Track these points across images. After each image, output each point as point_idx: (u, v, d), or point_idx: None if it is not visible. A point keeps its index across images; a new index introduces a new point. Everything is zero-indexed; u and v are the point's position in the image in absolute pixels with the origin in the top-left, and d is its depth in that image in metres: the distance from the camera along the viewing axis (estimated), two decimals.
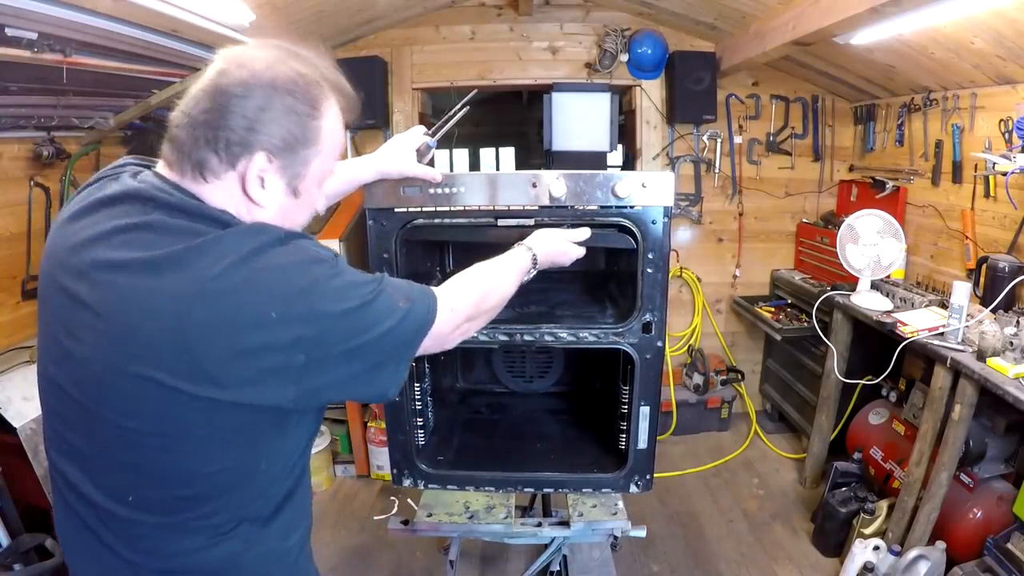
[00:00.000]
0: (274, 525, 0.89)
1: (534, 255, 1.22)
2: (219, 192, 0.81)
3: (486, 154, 5.95)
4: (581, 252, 1.33)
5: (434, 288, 0.95)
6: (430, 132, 1.38)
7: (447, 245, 2.10)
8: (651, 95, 3.55)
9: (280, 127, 0.80)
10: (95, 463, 0.80)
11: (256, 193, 0.81)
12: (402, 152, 1.33)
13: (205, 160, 0.79)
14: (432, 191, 1.40)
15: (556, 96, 3.15)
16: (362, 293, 0.81)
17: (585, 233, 1.34)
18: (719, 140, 3.58)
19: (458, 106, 1.43)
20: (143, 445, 0.77)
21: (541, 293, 1.83)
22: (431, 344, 0.92)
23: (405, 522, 1.74)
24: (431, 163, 1.39)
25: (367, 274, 0.86)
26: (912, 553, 2.07)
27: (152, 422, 0.75)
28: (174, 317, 0.72)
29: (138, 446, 0.77)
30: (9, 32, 1.79)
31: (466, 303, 1.00)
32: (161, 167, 0.84)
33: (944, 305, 2.34)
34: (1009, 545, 1.90)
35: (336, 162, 0.91)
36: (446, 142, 1.61)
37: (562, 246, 1.29)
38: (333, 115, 0.86)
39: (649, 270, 1.42)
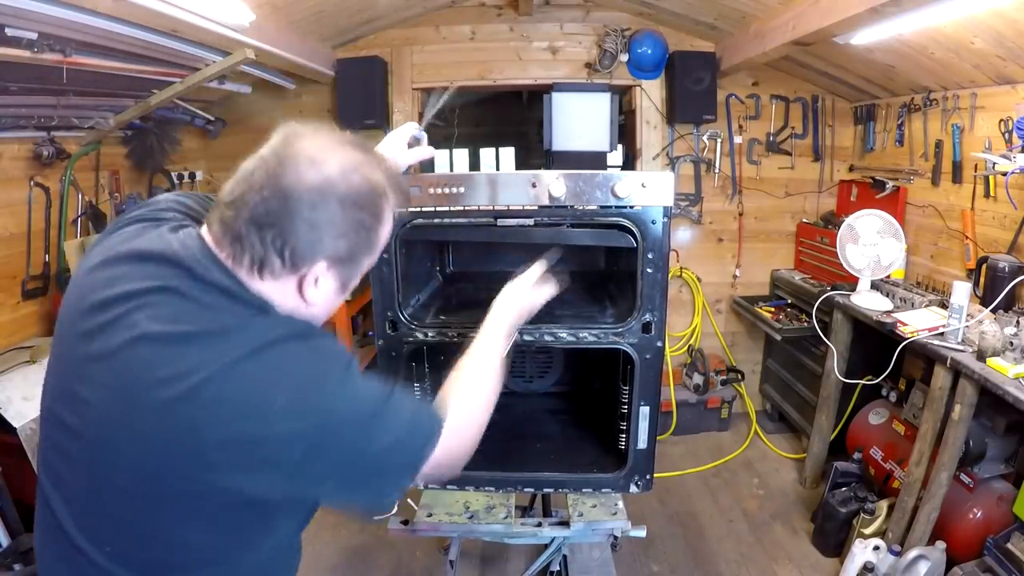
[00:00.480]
0: None
1: (512, 327, 1.15)
2: (275, 290, 0.80)
3: (486, 154, 5.94)
4: (551, 291, 1.24)
5: (440, 414, 0.90)
6: (420, 124, 1.39)
7: (447, 245, 2.10)
8: (651, 95, 3.55)
9: (347, 241, 0.80)
10: (82, 505, 0.79)
11: (310, 293, 0.81)
12: (397, 147, 1.32)
13: (268, 262, 0.78)
14: (432, 191, 1.40)
15: (556, 96, 3.15)
16: (372, 400, 0.80)
17: (540, 268, 1.23)
18: (719, 140, 3.57)
19: (443, 96, 1.46)
20: (131, 504, 0.76)
21: None
22: (431, 472, 0.87)
23: (405, 522, 1.74)
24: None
25: (378, 384, 0.83)
26: (912, 553, 2.07)
27: (143, 486, 0.74)
28: (170, 399, 0.71)
29: (126, 503, 0.76)
30: (9, 32, 1.79)
31: (472, 433, 0.96)
32: (205, 235, 0.81)
33: (944, 305, 2.34)
34: (1009, 545, 1.90)
35: None
36: (446, 142, 1.62)
37: (529, 302, 1.20)
38: (390, 218, 0.86)
39: (649, 270, 1.42)
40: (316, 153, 0.78)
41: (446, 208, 1.41)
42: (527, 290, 1.20)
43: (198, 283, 0.77)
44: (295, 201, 0.75)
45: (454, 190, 1.39)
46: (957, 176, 2.68)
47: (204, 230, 0.82)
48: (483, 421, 0.99)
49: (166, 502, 0.75)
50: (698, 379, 3.58)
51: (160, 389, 0.71)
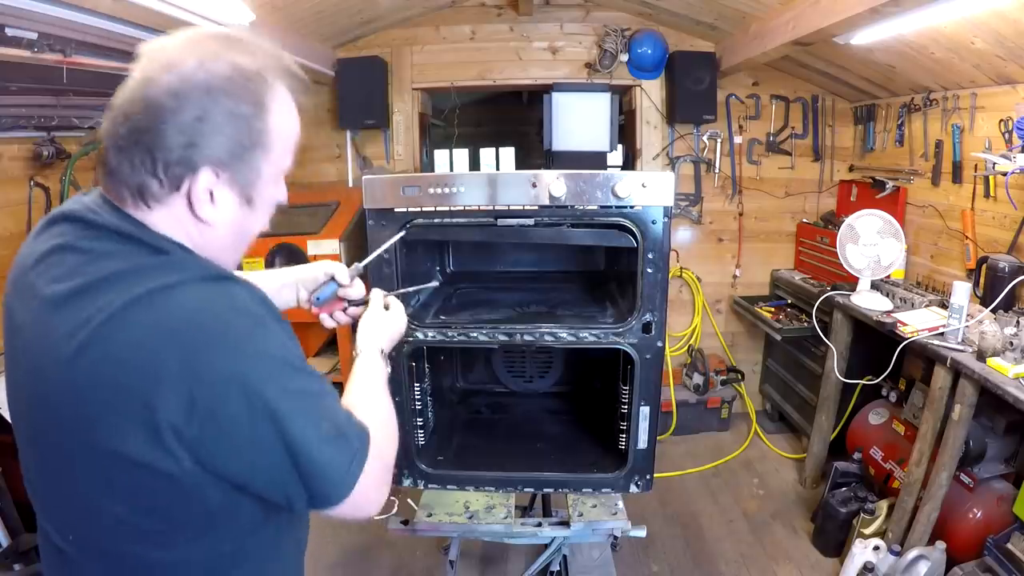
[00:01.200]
0: None
1: (384, 353, 1.03)
2: (166, 218, 0.73)
3: (486, 154, 5.94)
4: (401, 310, 1.12)
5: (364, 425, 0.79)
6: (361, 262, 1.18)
7: (447, 245, 2.10)
8: (651, 95, 3.55)
9: (223, 136, 0.71)
10: (43, 496, 0.79)
11: (206, 212, 0.73)
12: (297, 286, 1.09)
13: (145, 186, 0.70)
14: (432, 191, 1.40)
15: (556, 96, 3.15)
16: (289, 368, 0.71)
17: (378, 296, 1.11)
18: (719, 140, 3.58)
19: (386, 244, 1.27)
20: (73, 485, 0.72)
21: (541, 293, 1.83)
22: (349, 511, 0.75)
23: (405, 522, 1.74)
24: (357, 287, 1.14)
25: (299, 353, 0.74)
26: (912, 553, 2.07)
27: (75, 461, 0.70)
28: (65, 361, 0.66)
29: (69, 483, 0.72)
30: (9, 32, 1.79)
31: (391, 460, 0.84)
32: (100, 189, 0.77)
33: (944, 305, 2.34)
34: (1009, 545, 1.89)
35: (292, 154, 0.80)
36: (446, 142, 1.59)
37: (380, 322, 1.07)
38: (281, 105, 0.76)
39: (649, 270, 1.42)
40: (171, 55, 0.70)
41: (446, 208, 1.41)
42: (380, 317, 1.08)
43: (90, 231, 0.72)
44: (154, 109, 0.68)
45: (454, 190, 1.39)
46: (957, 176, 2.68)
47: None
48: (394, 451, 0.87)
49: (93, 476, 0.69)
50: (698, 379, 3.58)
51: (59, 350, 0.67)
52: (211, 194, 0.72)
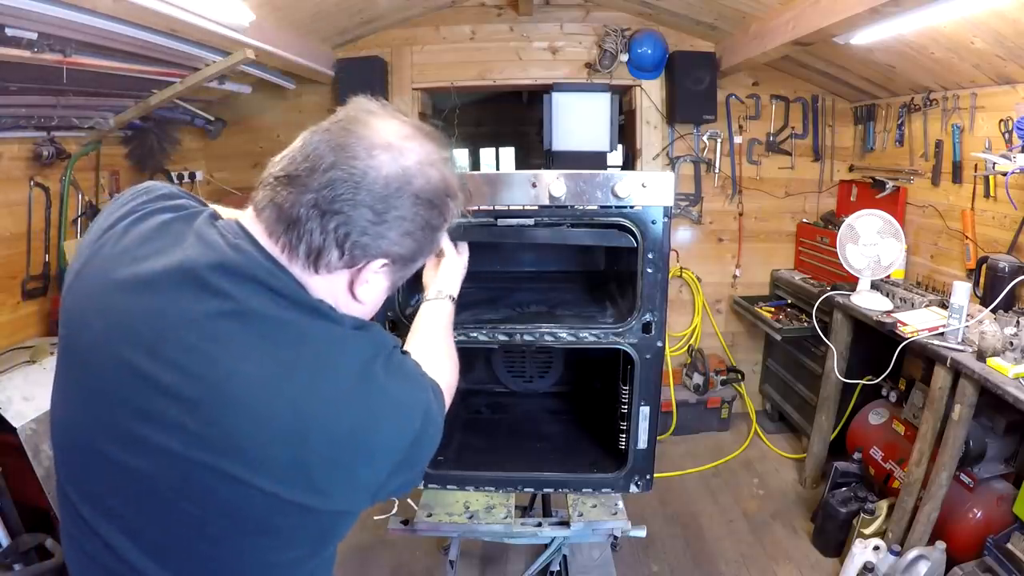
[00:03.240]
0: None
1: (453, 298, 1.15)
2: (324, 284, 0.73)
3: (486, 154, 5.94)
4: (464, 251, 1.25)
5: (435, 384, 0.87)
6: None
7: None
8: (651, 95, 3.55)
9: (413, 240, 0.73)
10: (155, 543, 0.71)
11: (361, 291, 0.75)
12: None
13: (325, 253, 0.70)
14: None
15: (556, 96, 3.15)
16: (424, 407, 0.78)
17: (450, 242, 1.21)
18: (719, 140, 3.58)
19: None
20: (208, 532, 0.70)
21: (541, 293, 1.83)
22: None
23: (405, 522, 1.74)
24: None
25: (417, 387, 0.80)
26: (912, 553, 2.07)
27: (227, 516, 0.68)
28: (295, 428, 0.66)
29: (201, 530, 0.70)
30: (9, 32, 1.79)
31: (452, 388, 0.95)
32: (252, 225, 0.72)
33: (944, 305, 2.34)
34: (1009, 545, 1.89)
35: None
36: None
37: (457, 267, 1.20)
38: (452, 216, 0.80)
39: (649, 270, 1.42)
40: (394, 138, 0.71)
41: None
42: (457, 262, 1.21)
43: (267, 296, 0.69)
44: (367, 189, 0.68)
45: None
46: (957, 176, 2.68)
47: (248, 215, 0.73)
48: (456, 376, 1.00)
49: (255, 530, 0.71)
50: (698, 379, 3.58)
51: (261, 426, 0.66)
52: (368, 279, 0.75)
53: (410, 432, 0.74)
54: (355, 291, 0.75)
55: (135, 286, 0.69)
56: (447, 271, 1.17)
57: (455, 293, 1.15)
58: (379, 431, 0.71)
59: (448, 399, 0.89)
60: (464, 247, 1.24)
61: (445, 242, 1.18)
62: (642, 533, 1.75)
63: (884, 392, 2.76)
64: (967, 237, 2.61)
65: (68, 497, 0.75)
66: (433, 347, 0.99)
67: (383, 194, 0.68)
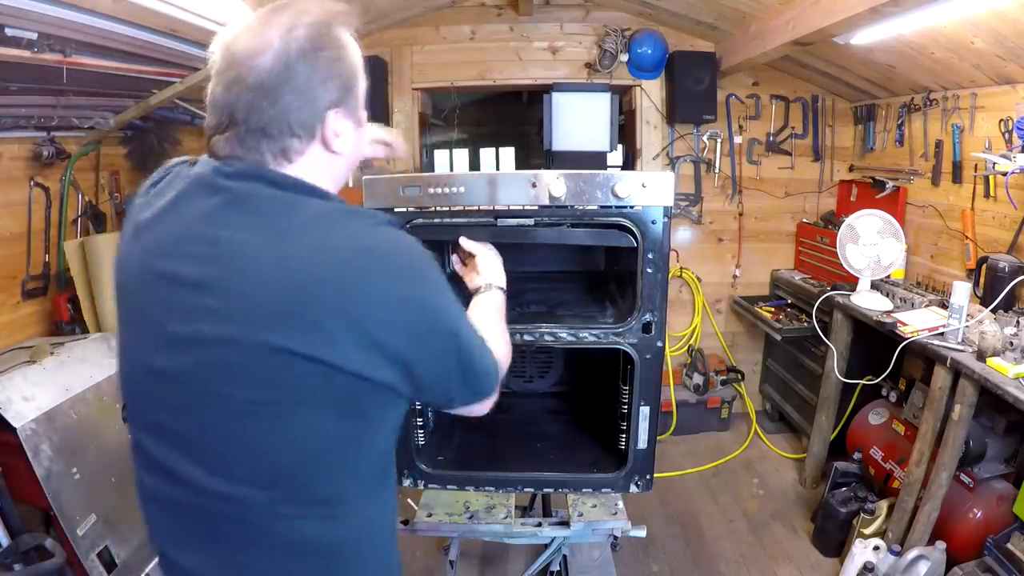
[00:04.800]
0: (383, 498, 0.91)
1: (502, 288, 1.23)
2: (306, 166, 0.82)
3: (486, 154, 5.94)
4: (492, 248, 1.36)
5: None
6: None
7: (447, 245, 2.10)
8: (651, 95, 3.55)
9: (332, 82, 0.81)
10: (200, 444, 0.78)
11: (337, 145, 0.84)
12: None
13: (287, 146, 0.80)
14: (432, 191, 1.40)
15: (556, 96, 3.15)
16: (455, 301, 0.85)
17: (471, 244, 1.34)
18: (719, 140, 3.58)
19: None
20: (258, 415, 0.76)
21: (541, 293, 1.83)
22: (487, 405, 0.94)
23: (405, 522, 1.74)
24: None
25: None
26: (912, 553, 2.07)
27: (269, 389, 0.74)
28: (299, 285, 0.73)
29: (253, 417, 0.76)
30: (9, 32, 1.79)
31: (505, 367, 0.99)
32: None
33: (944, 305, 2.34)
34: (1009, 545, 1.89)
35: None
36: (446, 143, 1.60)
37: (493, 259, 1.30)
38: (348, 37, 0.86)
39: (649, 270, 1.42)
40: (254, 42, 0.78)
41: (446, 208, 1.41)
42: (498, 257, 1.31)
43: (262, 182, 0.78)
44: (269, 88, 0.77)
45: (454, 190, 1.39)
46: (957, 176, 2.68)
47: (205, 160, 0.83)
48: (509, 354, 1.06)
49: (295, 400, 0.75)
50: (698, 379, 3.58)
51: (270, 288, 0.73)
52: (336, 131, 0.83)
53: (419, 298, 0.79)
54: (334, 148, 0.84)
55: (158, 214, 0.81)
56: (486, 266, 1.26)
57: (503, 283, 1.23)
58: (375, 276, 0.76)
59: (504, 365, 0.96)
60: (487, 244, 1.32)
61: (471, 244, 1.31)
62: (642, 533, 1.75)
63: (884, 392, 2.76)
64: (967, 237, 2.61)
65: (140, 444, 0.83)
66: (486, 325, 1.01)
67: (281, 79, 0.77)
